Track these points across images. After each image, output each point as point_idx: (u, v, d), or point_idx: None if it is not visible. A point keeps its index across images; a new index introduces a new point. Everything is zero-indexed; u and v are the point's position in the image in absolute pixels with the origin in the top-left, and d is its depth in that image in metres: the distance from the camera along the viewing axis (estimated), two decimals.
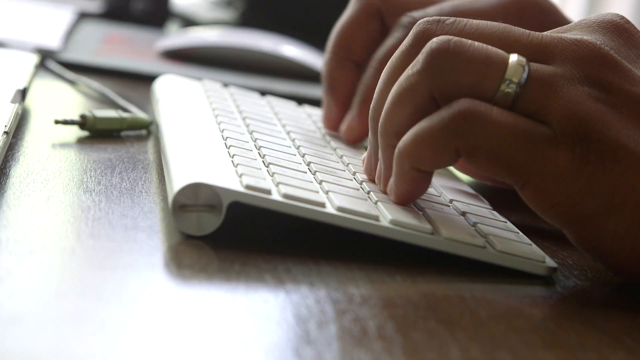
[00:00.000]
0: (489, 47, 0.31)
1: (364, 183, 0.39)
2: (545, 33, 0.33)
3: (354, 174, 0.41)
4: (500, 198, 0.46)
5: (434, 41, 0.31)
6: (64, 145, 0.47)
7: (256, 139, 0.44)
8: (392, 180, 0.35)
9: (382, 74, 0.35)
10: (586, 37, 0.32)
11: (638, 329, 0.33)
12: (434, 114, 0.31)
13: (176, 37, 0.89)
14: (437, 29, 0.32)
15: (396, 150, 0.33)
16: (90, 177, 0.41)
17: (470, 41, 0.30)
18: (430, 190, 0.42)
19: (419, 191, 0.36)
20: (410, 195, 0.35)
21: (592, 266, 0.40)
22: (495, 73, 0.30)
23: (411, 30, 0.34)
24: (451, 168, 0.52)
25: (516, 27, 0.33)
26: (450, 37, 0.30)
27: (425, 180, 0.35)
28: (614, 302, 0.38)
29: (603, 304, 0.38)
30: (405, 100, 0.32)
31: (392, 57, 0.35)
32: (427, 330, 0.31)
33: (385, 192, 0.37)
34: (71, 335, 0.23)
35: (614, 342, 0.32)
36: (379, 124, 0.34)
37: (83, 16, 0.97)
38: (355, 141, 0.48)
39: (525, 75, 0.30)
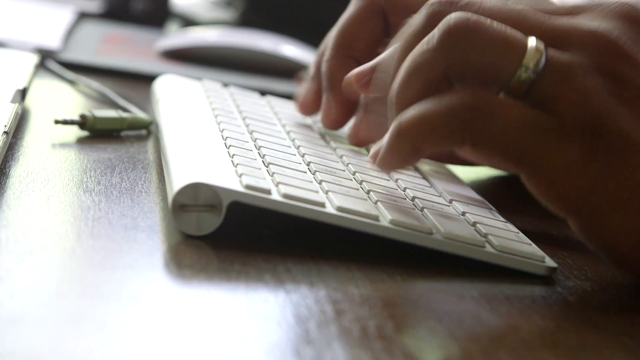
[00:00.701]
0: (508, 28, 0.30)
1: (363, 183, 0.39)
2: (561, 18, 0.32)
3: (354, 173, 0.41)
4: (500, 198, 0.46)
5: (452, 17, 0.30)
6: (63, 145, 0.47)
7: (256, 139, 0.44)
8: (382, 149, 0.33)
9: (393, 53, 0.34)
10: (603, 25, 0.32)
11: (638, 329, 0.33)
12: (441, 97, 0.31)
13: (176, 37, 0.89)
14: (450, 11, 0.31)
15: (397, 126, 0.32)
16: (90, 177, 0.41)
17: (489, 20, 0.30)
18: (430, 190, 0.42)
19: (407, 166, 0.36)
20: (397, 168, 0.37)
21: (592, 266, 0.40)
22: (513, 57, 0.29)
23: (422, 12, 0.33)
24: (450, 166, 0.52)
25: (532, 11, 0.33)
26: (469, 14, 0.30)
27: (417, 158, 0.35)
28: (614, 302, 0.38)
29: (603, 304, 0.38)
30: (418, 75, 0.31)
31: (403, 38, 0.34)
32: (427, 330, 0.31)
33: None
34: (71, 335, 0.23)
35: (614, 342, 0.32)
36: (389, 97, 0.33)
37: (83, 16, 0.97)
38: (365, 144, 0.47)
39: (543, 61, 0.30)
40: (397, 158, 0.34)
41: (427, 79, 0.31)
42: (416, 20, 0.34)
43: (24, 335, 0.22)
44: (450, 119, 0.30)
